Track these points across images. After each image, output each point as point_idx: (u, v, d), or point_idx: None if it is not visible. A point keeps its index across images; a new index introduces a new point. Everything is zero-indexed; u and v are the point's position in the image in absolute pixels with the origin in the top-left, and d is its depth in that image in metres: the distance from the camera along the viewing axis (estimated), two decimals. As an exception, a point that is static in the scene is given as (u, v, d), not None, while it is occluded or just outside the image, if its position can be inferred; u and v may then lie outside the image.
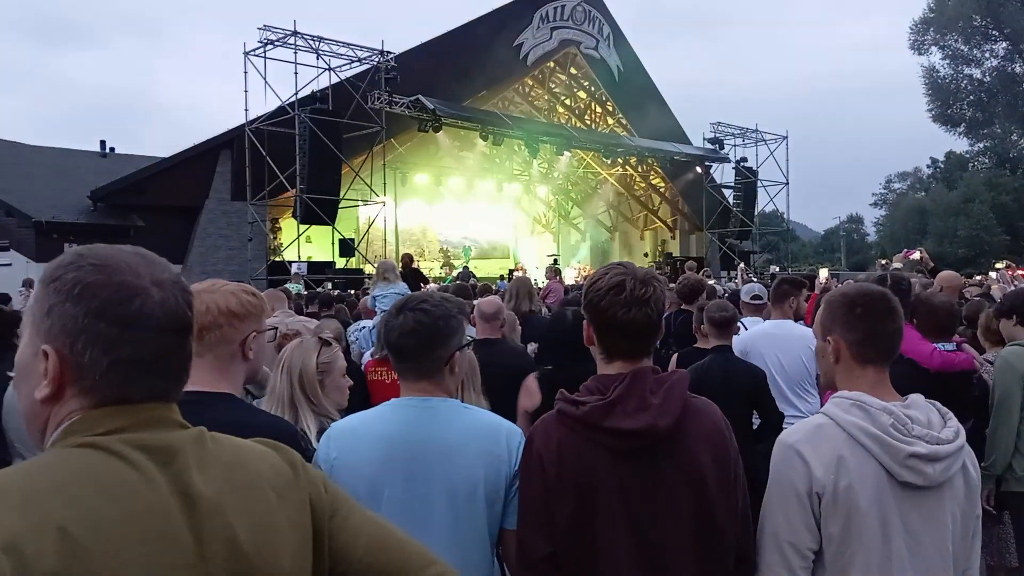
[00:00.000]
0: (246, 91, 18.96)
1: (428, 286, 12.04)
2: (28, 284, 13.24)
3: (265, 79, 18.51)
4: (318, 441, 2.36)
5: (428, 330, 2.01)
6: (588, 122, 28.79)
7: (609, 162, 27.49)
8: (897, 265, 9.32)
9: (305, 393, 2.62)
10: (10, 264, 19.11)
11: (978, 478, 1.87)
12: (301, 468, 1.17)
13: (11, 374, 4.05)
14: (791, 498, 1.78)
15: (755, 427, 4.10)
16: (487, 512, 1.95)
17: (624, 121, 27.91)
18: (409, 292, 6.55)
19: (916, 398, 1.85)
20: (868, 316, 1.88)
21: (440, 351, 2.04)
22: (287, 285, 13.62)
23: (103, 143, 28.89)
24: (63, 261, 1.05)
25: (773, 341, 4.75)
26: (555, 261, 26.00)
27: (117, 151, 28.82)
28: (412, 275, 11.24)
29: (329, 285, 15.43)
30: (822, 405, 3.87)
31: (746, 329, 5.25)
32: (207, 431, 1.10)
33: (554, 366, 3.73)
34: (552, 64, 25.81)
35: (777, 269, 27.92)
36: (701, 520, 1.80)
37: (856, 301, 1.91)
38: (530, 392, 3.62)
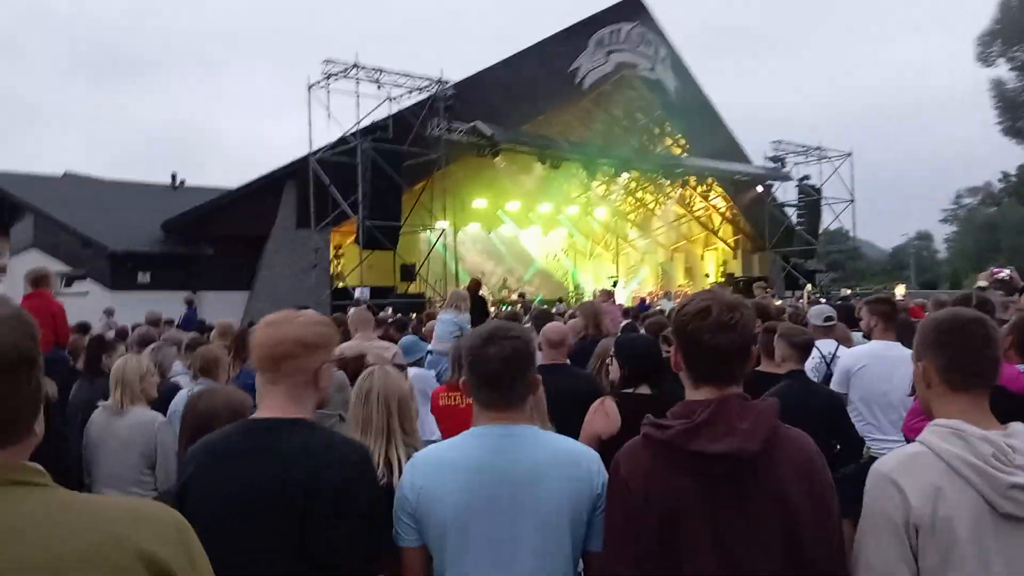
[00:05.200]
0: (310, 123, 19.52)
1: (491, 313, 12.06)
2: (109, 312, 13.65)
3: (328, 111, 19.00)
4: None
5: (525, 357, 2.07)
6: (646, 143, 28.70)
7: (668, 183, 27.30)
8: (982, 283, 9.00)
9: (401, 423, 2.65)
10: (87, 292, 19.87)
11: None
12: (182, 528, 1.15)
13: (103, 403, 4.14)
14: (887, 529, 1.73)
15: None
16: (571, 536, 1.97)
17: (683, 142, 27.75)
18: (468, 327, 6.64)
19: (1017, 427, 1.79)
20: (956, 341, 1.84)
21: (531, 377, 2.09)
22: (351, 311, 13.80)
23: (174, 176, 29.70)
24: None
25: (883, 365, 4.59)
26: (615, 283, 25.91)
27: (187, 183, 29.73)
28: (478, 303, 11.30)
29: (391, 310, 15.65)
30: (904, 427, 3.75)
31: (822, 354, 5.14)
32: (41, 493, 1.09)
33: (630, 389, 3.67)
34: (609, 87, 25.85)
35: (848, 291, 26.95)
36: (790, 548, 1.76)
37: (943, 326, 1.87)
38: (608, 415, 3.45)
